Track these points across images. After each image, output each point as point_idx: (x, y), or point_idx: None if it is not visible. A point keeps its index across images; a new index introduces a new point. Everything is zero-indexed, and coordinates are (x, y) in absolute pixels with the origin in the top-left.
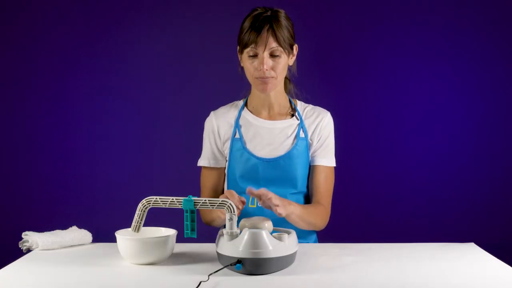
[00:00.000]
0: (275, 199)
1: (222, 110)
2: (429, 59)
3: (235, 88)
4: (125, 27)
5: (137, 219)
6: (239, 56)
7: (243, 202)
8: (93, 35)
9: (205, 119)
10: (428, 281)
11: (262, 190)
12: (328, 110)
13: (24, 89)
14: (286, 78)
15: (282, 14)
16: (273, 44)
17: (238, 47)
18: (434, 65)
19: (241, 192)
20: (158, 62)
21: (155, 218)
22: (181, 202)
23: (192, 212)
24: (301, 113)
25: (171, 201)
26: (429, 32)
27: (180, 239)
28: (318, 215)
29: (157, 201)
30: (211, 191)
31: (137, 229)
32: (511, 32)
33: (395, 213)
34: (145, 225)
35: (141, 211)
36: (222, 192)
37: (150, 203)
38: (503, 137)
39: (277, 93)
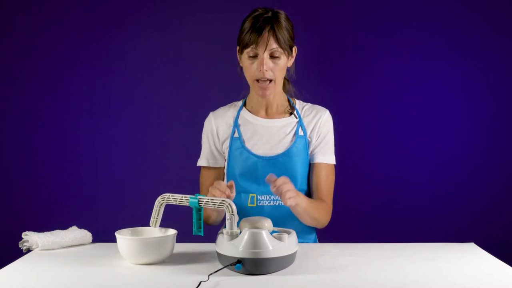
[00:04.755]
0: (290, 191)
1: (220, 111)
2: (429, 59)
3: (236, 89)
4: (125, 28)
5: (154, 215)
6: (238, 56)
7: (230, 186)
8: (94, 36)
9: (205, 120)
10: (428, 281)
11: (282, 180)
12: (327, 108)
13: (24, 88)
14: (285, 78)
15: (282, 15)
16: (273, 45)
17: (237, 47)
18: (434, 65)
19: (240, 191)
20: (159, 63)
21: None
22: (189, 200)
23: (198, 210)
24: (299, 111)
25: (180, 199)
26: (428, 32)
27: (180, 239)
28: (323, 210)
29: (169, 198)
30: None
31: (154, 224)
32: (511, 32)
33: (395, 213)
34: (145, 225)
35: (157, 207)
36: None
37: (164, 200)
38: (503, 137)
39: (276, 92)
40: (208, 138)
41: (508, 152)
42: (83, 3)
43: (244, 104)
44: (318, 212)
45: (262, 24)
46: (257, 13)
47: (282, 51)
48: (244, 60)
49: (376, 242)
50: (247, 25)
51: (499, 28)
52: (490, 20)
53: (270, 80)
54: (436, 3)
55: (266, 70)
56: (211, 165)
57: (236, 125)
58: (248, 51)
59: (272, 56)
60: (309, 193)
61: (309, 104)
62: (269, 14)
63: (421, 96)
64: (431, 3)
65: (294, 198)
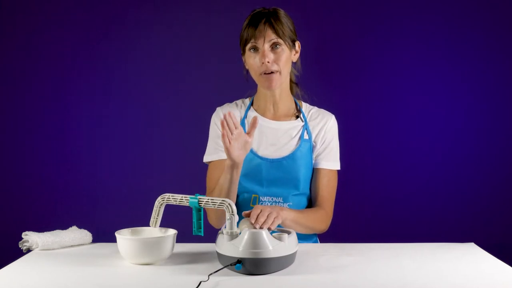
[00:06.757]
0: (270, 214)
1: (228, 107)
2: (429, 59)
3: (236, 89)
4: (125, 28)
5: (154, 215)
6: (243, 58)
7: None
8: (94, 36)
9: (207, 119)
10: (428, 281)
11: (255, 212)
12: (327, 109)
13: (24, 88)
14: (291, 81)
15: (281, 11)
16: (271, 36)
17: (241, 50)
18: (434, 65)
19: (243, 192)
20: (159, 63)
21: None
22: (189, 200)
23: (198, 210)
24: (306, 115)
25: (180, 199)
26: (428, 32)
27: (180, 239)
28: (317, 218)
29: (169, 198)
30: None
31: (154, 224)
32: (511, 32)
33: (395, 213)
34: (145, 225)
35: (157, 207)
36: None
37: (164, 200)
38: (503, 137)
39: (283, 92)
40: (218, 133)
41: (508, 152)
42: (83, 3)
43: (251, 104)
44: (311, 221)
45: (258, 18)
46: (255, 11)
47: (282, 42)
48: (248, 58)
49: (376, 242)
50: (245, 24)
51: (499, 28)
52: (490, 20)
53: (276, 72)
54: (436, 3)
55: (268, 62)
56: (222, 158)
57: (243, 124)
58: (249, 47)
59: (272, 48)
60: (311, 197)
61: (316, 108)
62: (266, 11)
63: (421, 96)
64: (431, 3)
65: (277, 218)
